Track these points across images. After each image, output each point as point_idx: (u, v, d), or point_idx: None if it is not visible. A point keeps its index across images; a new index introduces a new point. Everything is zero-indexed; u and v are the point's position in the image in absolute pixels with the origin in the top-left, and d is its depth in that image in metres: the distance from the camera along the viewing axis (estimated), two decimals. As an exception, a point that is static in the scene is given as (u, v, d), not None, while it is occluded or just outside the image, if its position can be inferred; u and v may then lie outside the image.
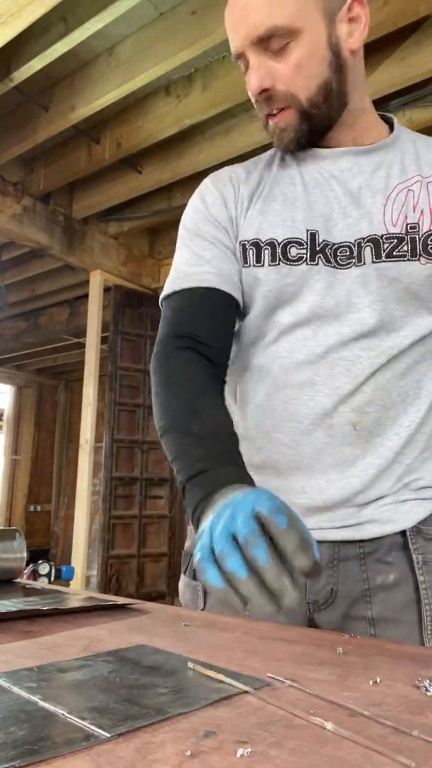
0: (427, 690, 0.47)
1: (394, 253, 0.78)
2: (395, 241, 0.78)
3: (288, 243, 0.81)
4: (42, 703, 0.44)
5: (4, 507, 7.88)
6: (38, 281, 5.14)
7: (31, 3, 2.20)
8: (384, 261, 0.78)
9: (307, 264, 0.80)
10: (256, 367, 0.84)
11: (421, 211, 0.79)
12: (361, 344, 0.79)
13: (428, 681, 0.48)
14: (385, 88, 2.75)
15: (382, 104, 3.01)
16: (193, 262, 0.88)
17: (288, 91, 0.77)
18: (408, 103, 2.97)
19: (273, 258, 0.81)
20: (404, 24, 2.43)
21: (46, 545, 7.87)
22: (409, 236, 0.78)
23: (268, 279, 0.81)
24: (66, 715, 0.42)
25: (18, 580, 1.19)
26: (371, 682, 0.49)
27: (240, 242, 0.85)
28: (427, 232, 0.78)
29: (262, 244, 0.82)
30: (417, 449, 0.81)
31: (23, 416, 8.24)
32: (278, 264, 0.80)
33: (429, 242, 0.78)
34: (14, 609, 0.78)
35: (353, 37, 0.78)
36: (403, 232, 0.78)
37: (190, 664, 0.53)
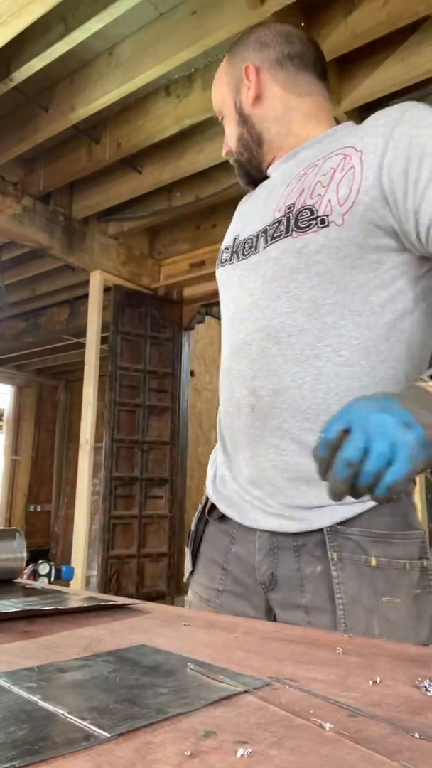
0: (427, 690, 0.47)
1: (274, 235, 0.87)
2: (276, 224, 0.87)
3: (223, 251, 1.01)
4: (42, 703, 0.44)
5: (4, 507, 7.88)
6: (38, 281, 5.14)
7: (31, 3, 2.20)
8: (269, 245, 0.87)
9: (228, 263, 0.97)
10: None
11: (302, 189, 0.86)
12: (258, 331, 0.87)
13: (428, 681, 0.48)
14: (385, 88, 2.75)
15: (382, 104, 3.01)
16: None
17: (231, 148, 1.03)
18: (408, 103, 2.96)
19: (220, 263, 1.01)
20: (404, 24, 2.42)
21: (46, 545, 7.87)
22: (285, 216, 0.86)
23: (218, 282, 1.02)
24: (66, 715, 0.42)
25: (18, 580, 1.19)
26: (371, 682, 0.49)
27: None
28: (301, 206, 0.84)
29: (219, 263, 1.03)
30: None
31: (23, 416, 8.24)
32: (218, 268, 1.01)
33: (299, 217, 0.83)
34: (14, 609, 0.78)
35: (249, 92, 0.97)
36: (283, 214, 0.87)
37: (190, 664, 0.53)
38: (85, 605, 0.83)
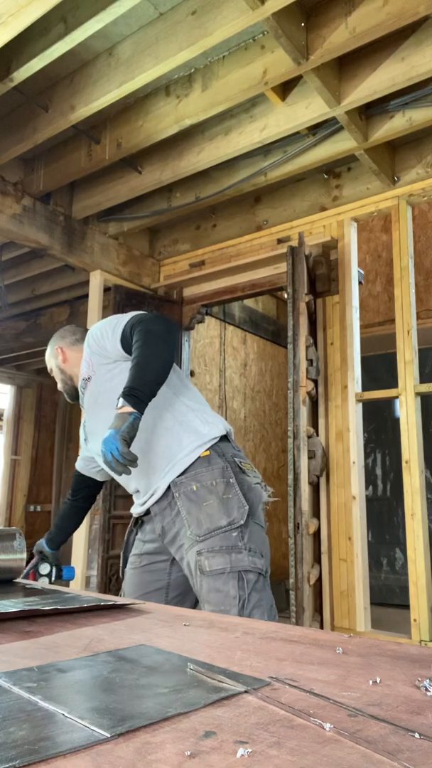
0: (427, 690, 0.47)
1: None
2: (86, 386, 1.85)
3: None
4: (42, 703, 0.44)
5: (4, 507, 7.88)
6: (38, 281, 5.14)
7: (31, 3, 2.20)
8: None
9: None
10: None
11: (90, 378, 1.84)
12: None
13: (428, 681, 0.48)
14: (385, 88, 2.75)
15: (382, 104, 3.01)
16: None
17: (61, 385, 1.99)
18: (408, 103, 2.96)
19: None
20: (404, 24, 2.42)
21: (46, 545, 7.86)
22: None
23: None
24: (66, 715, 0.42)
25: (18, 580, 1.19)
26: (371, 682, 0.49)
27: None
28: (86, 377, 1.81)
29: None
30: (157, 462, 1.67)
31: (23, 416, 8.24)
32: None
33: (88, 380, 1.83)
34: (14, 609, 0.78)
35: (63, 362, 1.97)
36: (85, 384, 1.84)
37: (190, 664, 0.52)
38: (85, 605, 0.83)
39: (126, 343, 1.65)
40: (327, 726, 0.39)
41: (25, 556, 1.17)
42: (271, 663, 0.56)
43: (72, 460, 7.79)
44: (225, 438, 1.67)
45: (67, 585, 3.51)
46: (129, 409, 1.43)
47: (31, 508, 8.01)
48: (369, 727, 0.40)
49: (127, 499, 4.21)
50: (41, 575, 1.83)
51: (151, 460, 1.63)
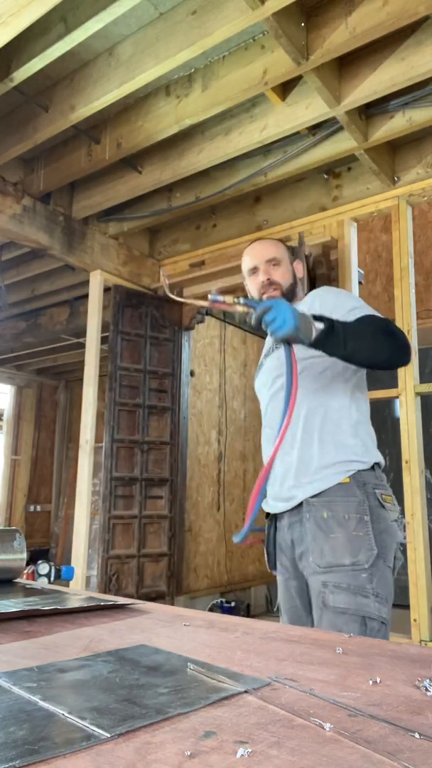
0: (427, 690, 0.47)
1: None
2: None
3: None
4: (42, 703, 0.44)
5: (4, 507, 7.88)
6: (38, 281, 5.14)
7: (31, 3, 2.20)
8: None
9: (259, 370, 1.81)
10: None
11: None
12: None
13: (428, 681, 0.48)
14: (385, 88, 2.75)
15: (382, 104, 3.01)
16: None
17: (278, 281, 1.68)
18: (408, 103, 2.96)
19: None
20: (404, 24, 2.42)
21: (46, 545, 7.87)
22: None
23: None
24: (66, 715, 0.42)
25: (18, 580, 1.19)
26: (371, 682, 0.49)
27: None
28: None
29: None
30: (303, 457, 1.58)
31: (23, 416, 8.24)
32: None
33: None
34: (14, 609, 0.78)
35: (298, 274, 1.75)
36: None
37: (190, 664, 0.52)
38: (85, 605, 0.83)
39: None
40: (327, 726, 0.39)
41: (25, 556, 1.17)
42: (271, 663, 0.56)
43: (72, 460, 7.80)
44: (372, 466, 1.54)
45: (67, 585, 3.51)
46: (314, 332, 1.35)
47: (31, 508, 8.01)
48: (369, 727, 0.40)
49: (127, 499, 4.22)
50: (41, 575, 1.83)
51: (302, 452, 1.54)
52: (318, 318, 1.38)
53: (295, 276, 1.73)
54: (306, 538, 1.49)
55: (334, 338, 1.37)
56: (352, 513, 1.45)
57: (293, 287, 1.72)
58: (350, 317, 1.49)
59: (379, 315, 1.54)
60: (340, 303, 1.60)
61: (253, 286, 1.72)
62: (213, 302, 1.36)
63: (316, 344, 1.37)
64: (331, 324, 1.37)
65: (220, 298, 1.35)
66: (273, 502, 1.61)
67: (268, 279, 1.67)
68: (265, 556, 1.67)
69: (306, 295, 1.75)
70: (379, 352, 1.44)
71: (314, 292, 1.72)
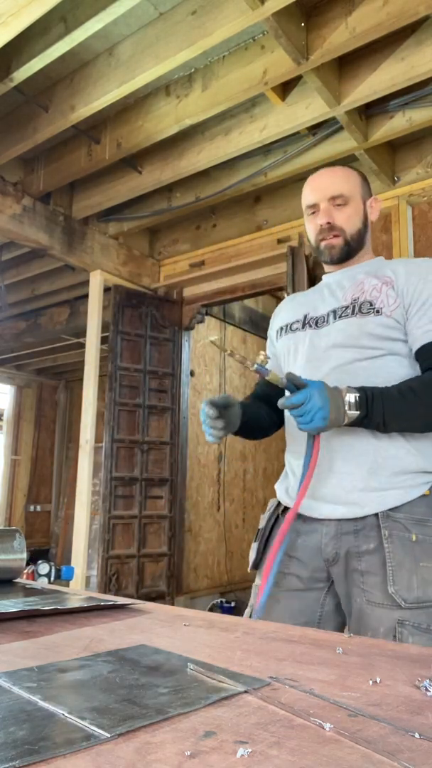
0: (427, 690, 0.47)
1: (342, 315, 1.36)
2: (344, 308, 1.36)
3: (293, 323, 1.47)
4: (42, 703, 0.44)
5: (4, 507, 7.88)
6: (38, 281, 5.14)
7: (31, 3, 2.20)
8: (337, 320, 1.36)
9: (300, 330, 1.43)
10: None
11: (362, 291, 1.35)
12: (334, 368, 1.32)
13: (428, 681, 0.48)
14: (385, 88, 2.75)
15: (381, 104, 3.01)
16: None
17: (341, 227, 1.40)
18: (408, 103, 2.96)
19: (290, 330, 1.47)
20: (404, 24, 2.42)
21: (46, 545, 7.87)
22: (351, 305, 1.35)
23: (284, 343, 1.47)
24: (66, 715, 0.42)
25: (18, 580, 1.19)
26: (371, 682, 0.49)
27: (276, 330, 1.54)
28: (363, 300, 1.34)
29: (282, 328, 1.50)
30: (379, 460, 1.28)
31: (23, 416, 8.24)
32: (286, 333, 1.47)
33: (362, 306, 1.33)
34: (14, 609, 0.78)
35: (371, 216, 1.45)
36: (349, 303, 1.36)
37: (190, 664, 0.53)
38: (85, 605, 0.83)
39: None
40: (327, 726, 0.39)
41: (25, 556, 1.17)
42: (271, 663, 0.56)
43: (72, 460, 7.80)
44: None
45: (67, 585, 3.51)
46: (346, 419, 1.16)
47: (31, 508, 8.01)
48: (369, 727, 0.40)
49: (127, 499, 4.22)
50: (41, 575, 1.82)
51: (379, 447, 1.25)
52: (355, 389, 1.19)
53: (366, 218, 1.43)
54: (380, 560, 1.18)
55: (370, 423, 1.20)
56: None
57: (360, 235, 1.41)
58: (423, 336, 1.25)
59: None
60: (428, 301, 1.28)
61: (310, 229, 1.44)
62: (256, 371, 1.21)
63: (353, 422, 1.19)
64: (366, 413, 1.17)
65: (264, 369, 1.21)
66: (318, 504, 1.27)
67: (329, 223, 1.38)
68: (252, 552, 1.37)
69: (374, 256, 1.47)
70: (426, 427, 1.25)
71: (404, 262, 1.40)
